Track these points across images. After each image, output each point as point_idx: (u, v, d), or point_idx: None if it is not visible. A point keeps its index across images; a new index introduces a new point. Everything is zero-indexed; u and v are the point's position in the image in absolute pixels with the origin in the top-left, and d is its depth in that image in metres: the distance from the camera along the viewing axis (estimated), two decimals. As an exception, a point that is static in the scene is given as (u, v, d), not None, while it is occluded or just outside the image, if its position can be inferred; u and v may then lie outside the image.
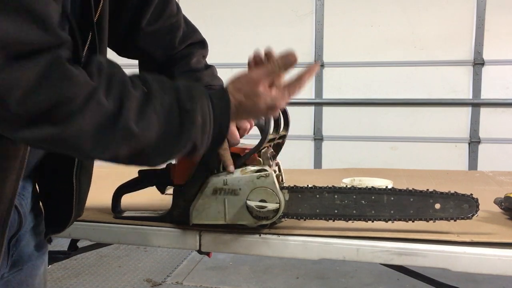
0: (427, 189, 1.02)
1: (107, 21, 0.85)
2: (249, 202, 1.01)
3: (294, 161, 4.36)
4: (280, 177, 1.10)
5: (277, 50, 0.83)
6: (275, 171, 1.06)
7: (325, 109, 4.49)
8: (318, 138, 4.51)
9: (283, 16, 4.39)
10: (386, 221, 1.02)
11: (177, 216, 1.08)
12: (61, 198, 0.89)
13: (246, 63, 0.88)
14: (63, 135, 0.63)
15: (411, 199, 1.01)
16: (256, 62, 0.87)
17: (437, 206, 1.00)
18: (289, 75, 0.83)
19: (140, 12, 1.04)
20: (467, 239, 1.00)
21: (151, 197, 1.27)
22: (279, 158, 1.13)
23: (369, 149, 4.40)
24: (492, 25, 4.08)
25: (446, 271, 0.98)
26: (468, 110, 4.24)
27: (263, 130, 1.02)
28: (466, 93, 4.22)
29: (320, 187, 1.04)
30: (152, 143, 0.70)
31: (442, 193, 1.01)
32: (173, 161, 1.14)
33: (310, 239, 1.05)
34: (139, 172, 1.16)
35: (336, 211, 1.03)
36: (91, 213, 1.17)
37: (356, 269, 3.43)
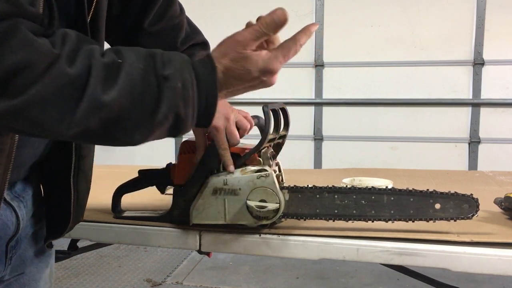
0: (427, 189, 1.02)
1: (104, 21, 0.85)
2: (249, 202, 1.01)
3: (294, 161, 4.37)
4: (280, 177, 1.10)
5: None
6: (275, 171, 1.06)
7: (325, 109, 4.49)
8: (318, 138, 4.51)
9: (283, 16, 4.39)
10: (386, 221, 1.02)
11: (177, 216, 1.08)
12: (59, 203, 0.88)
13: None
14: (23, 107, 0.58)
15: (411, 199, 1.01)
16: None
17: (437, 206, 1.00)
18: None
19: (143, 13, 1.04)
20: (467, 239, 1.00)
21: (151, 197, 1.27)
22: (279, 158, 1.13)
23: (369, 149, 4.40)
24: (492, 25, 4.09)
25: (446, 271, 0.98)
26: (468, 110, 4.24)
27: (263, 130, 1.02)
28: (466, 93, 4.22)
29: (320, 187, 1.04)
30: (126, 113, 0.64)
31: (442, 193, 1.01)
32: (173, 161, 1.14)
33: (310, 239, 1.05)
34: (139, 172, 1.16)
35: (336, 211, 1.03)
36: (91, 213, 1.17)
37: (356, 269, 3.43)
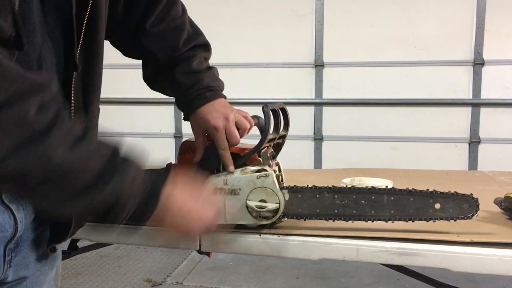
0: (427, 189, 1.02)
1: (103, 22, 0.85)
2: (249, 202, 1.01)
3: (294, 161, 4.36)
4: (280, 177, 1.10)
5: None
6: (275, 171, 1.06)
7: (325, 109, 4.49)
8: (318, 138, 4.51)
9: (283, 16, 4.39)
10: (386, 221, 1.02)
11: (177, 216, 1.08)
12: None
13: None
14: None
15: (411, 199, 1.01)
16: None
17: (437, 206, 1.00)
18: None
19: (146, 13, 1.04)
20: (467, 239, 1.00)
21: (151, 197, 1.26)
22: (279, 158, 1.13)
23: (369, 149, 4.40)
24: (492, 25, 4.08)
25: (446, 271, 0.98)
26: (468, 110, 4.24)
27: (263, 130, 1.02)
28: (466, 93, 4.21)
29: (320, 187, 1.04)
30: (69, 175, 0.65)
31: (442, 193, 1.01)
32: (173, 161, 1.14)
33: (310, 239, 1.05)
34: (139, 172, 1.16)
35: (336, 211, 1.03)
36: (91, 213, 1.17)
37: (356, 269, 3.43)
